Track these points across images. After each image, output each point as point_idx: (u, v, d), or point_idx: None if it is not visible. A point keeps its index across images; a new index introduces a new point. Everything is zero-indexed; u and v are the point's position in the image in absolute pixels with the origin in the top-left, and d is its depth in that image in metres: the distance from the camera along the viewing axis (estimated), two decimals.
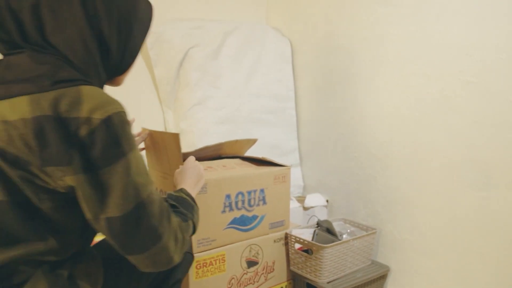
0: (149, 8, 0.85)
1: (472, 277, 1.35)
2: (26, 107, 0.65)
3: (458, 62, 1.34)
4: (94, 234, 0.82)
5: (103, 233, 0.71)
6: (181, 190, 0.96)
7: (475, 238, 1.34)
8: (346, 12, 1.75)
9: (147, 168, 0.75)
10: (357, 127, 1.72)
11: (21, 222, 0.68)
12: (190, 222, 0.86)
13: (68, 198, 0.70)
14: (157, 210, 0.73)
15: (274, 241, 1.52)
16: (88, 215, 0.70)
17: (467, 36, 1.31)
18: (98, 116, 0.65)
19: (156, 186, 1.30)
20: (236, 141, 1.54)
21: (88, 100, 0.66)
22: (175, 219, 0.78)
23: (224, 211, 1.37)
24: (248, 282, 1.45)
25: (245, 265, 1.43)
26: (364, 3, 1.66)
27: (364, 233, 1.58)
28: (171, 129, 1.88)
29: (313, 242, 1.45)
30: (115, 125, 0.67)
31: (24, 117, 0.64)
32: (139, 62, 1.84)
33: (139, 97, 1.85)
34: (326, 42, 1.86)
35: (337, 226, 1.68)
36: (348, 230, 1.63)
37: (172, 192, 0.94)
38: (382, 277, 1.61)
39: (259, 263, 1.47)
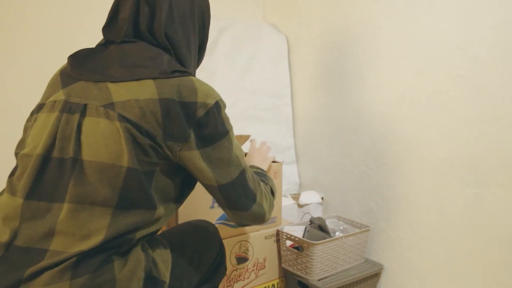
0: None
1: (463, 277, 1.32)
2: (153, 89, 0.76)
3: (449, 56, 1.32)
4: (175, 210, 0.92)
5: (214, 196, 0.87)
6: (252, 166, 1.10)
7: (466, 236, 1.31)
8: (340, 8, 1.73)
9: None
10: (351, 124, 1.70)
11: (143, 190, 0.76)
12: (269, 187, 1.00)
13: (177, 167, 0.82)
14: (251, 176, 0.89)
15: (265, 237, 1.50)
16: (203, 182, 0.84)
17: (458, 29, 1.29)
18: (210, 101, 0.80)
19: None
20: None
21: (200, 88, 0.79)
22: (262, 184, 0.94)
23: (213, 207, 1.36)
24: (238, 279, 1.44)
25: (234, 261, 1.42)
26: None
27: (358, 230, 1.56)
28: None
29: (304, 239, 1.43)
30: (222, 108, 0.83)
31: (153, 98, 0.75)
32: None
33: None
34: (320, 38, 1.84)
35: (330, 224, 1.67)
36: (341, 227, 1.61)
37: (253, 168, 1.07)
38: (376, 276, 1.58)
39: (249, 260, 1.46)
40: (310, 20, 1.91)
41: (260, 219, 0.91)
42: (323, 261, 1.44)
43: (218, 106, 0.82)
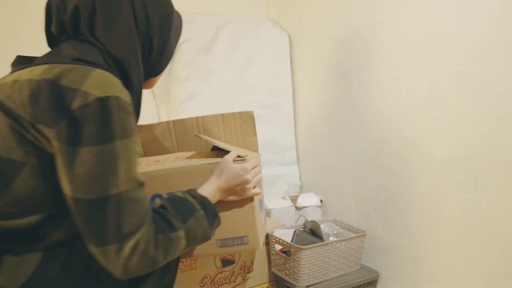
0: (179, 16, 0.94)
1: (461, 286, 1.22)
2: (40, 71, 0.69)
3: (446, 50, 1.22)
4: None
5: (70, 211, 0.69)
6: (190, 190, 0.88)
7: (463, 244, 1.21)
8: (337, 1, 1.65)
9: (137, 168, 0.72)
10: (350, 123, 1.62)
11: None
12: (180, 233, 0.77)
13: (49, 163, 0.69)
14: (131, 210, 0.68)
15: None
16: (63, 190, 0.69)
17: (456, 22, 1.19)
18: (96, 93, 0.66)
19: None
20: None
21: (94, 78, 0.68)
22: (147, 229, 0.70)
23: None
24: (223, 282, 1.40)
25: (219, 263, 1.38)
26: None
27: (353, 235, 1.48)
28: None
29: (291, 243, 1.37)
30: (110, 107, 0.66)
31: (33, 78, 0.68)
32: None
33: None
34: (320, 34, 1.77)
35: (327, 227, 1.59)
36: (335, 232, 1.54)
37: (178, 192, 0.87)
38: (371, 283, 1.50)
39: (236, 263, 1.41)
40: (309, 14, 1.83)
41: (117, 270, 0.69)
42: (311, 266, 1.37)
43: (106, 104, 0.66)
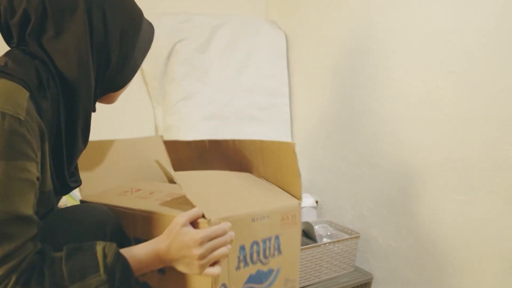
0: (151, 29, 0.86)
1: None
2: None
3: (440, 51, 1.20)
4: None
5: None
6: (108, 244, 0.68)
7: (456, 248, 1.19)
8: (335, 1, 1.64)
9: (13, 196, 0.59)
10: (346, 124, 1.61)
11: None
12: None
13: None
14: (2, 251, 0.56)
15: None
16: None
17: (449, 21, 1.17)
18: None
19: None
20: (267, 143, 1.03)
21: None
22: (9, 275, 0.57)
23: (238, 268, 0.88)
24: None
25: None
26: None
27: (346, 237, 1.46)
28: (159, 125, 1.86)
29: None
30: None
31: None
32: None
33: (128, 93, 1.85)
34: (316, 34, 1.76)
35: (321, 229, 1.58)
36: (329, 233, 1.53)
37: (99, 242, 0.68)
38: (365, 286, 1.48)
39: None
40: (307, 15, 1.82)
41: None
42: (303, 268, 1.36)
43: None
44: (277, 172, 1.01)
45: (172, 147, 1.21)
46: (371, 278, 1.47)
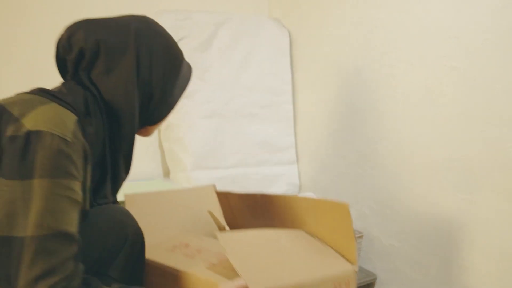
0: (190, 69, 0.93)
1: None
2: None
3: (442, 46, 1.18)
4: None
5: None
6: None
7: (459, 248, 1.16)
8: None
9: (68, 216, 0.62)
10: (347, 122, 1.58)
11: None
12: None
13: None
14: (37, 261, 0.58)
15: None
16: None
17: (451, 16, 1.14)
18: (28, 126, 0.61)
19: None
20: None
21: (40, 112, 0.64)
22: None
23: None
24: None
25: None
26: None
27: None
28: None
29: None
30: (37, 142, 0.60)
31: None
32: None
33: None
34: (319, 31, 1.73)
35: None
36: None
37: None
38: (369, 286, 1.46)
39: None
40: (309, 11, 1.80)
41: None
42: None
43: (34, 138, 0.60)
44: (330, 232, 0.94)
45: (224, 197, 1.20)
46: (375, 279, 1.45)
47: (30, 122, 0.62)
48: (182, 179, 1.75)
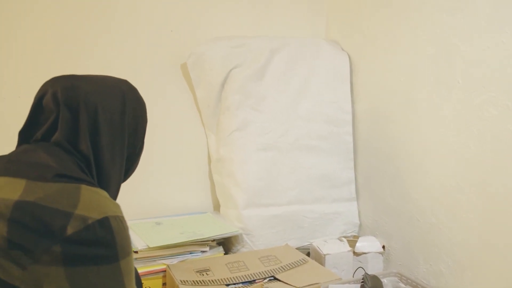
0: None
1: None
2: (19, 189, 0.64)
3: None
4: None
5: None
6: None
7: None
8: (407, 22, 1.45)
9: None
10: (418, 163, 1.41)
11: None
12: None
13: None
14: None
15: None
16: None
17: None
18: (94, 216, 0.64)
19: None
20: None
21: (86, 199, 0.66)
22: None
23: None
24: None
25: None
26: (426, 11, 1.35)
27: None
28: (212, 155, 1.76)
29: None
30: (112, 228, 0.66)
31: (11, 198, 0.63)
32: (182, 84, 1.76)
33: (182, 122, 1.77)
34: (385, 57, 1.57)
35: (390, 282, 1.39)
36: None
37: None
38: None
39: None
40: (374, 36, 1.64)
41: None
42: None
43: (107, 225, 0.65)
44: None
45: None
46: None
47: (89, 212, 0.64)
48: (233, 217, 1.65)
